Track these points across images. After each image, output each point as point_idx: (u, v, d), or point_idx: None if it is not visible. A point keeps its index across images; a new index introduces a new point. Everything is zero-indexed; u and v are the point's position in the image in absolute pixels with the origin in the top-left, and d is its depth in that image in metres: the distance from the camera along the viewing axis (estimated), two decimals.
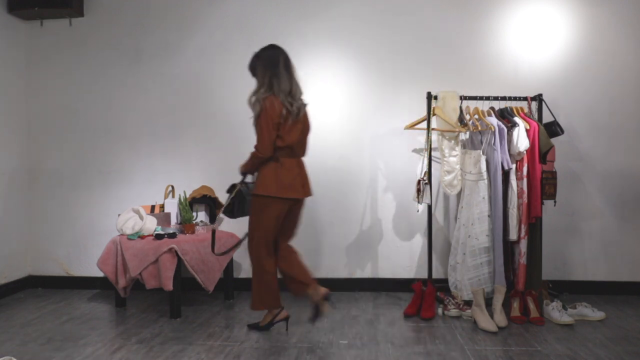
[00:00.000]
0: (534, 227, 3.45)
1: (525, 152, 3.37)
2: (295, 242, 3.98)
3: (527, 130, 3.36)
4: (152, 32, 4.04)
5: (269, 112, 2.77)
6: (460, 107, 3.51)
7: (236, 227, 3.92)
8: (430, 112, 3.51)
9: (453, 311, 3.33)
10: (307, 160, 3.97)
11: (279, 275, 3.05)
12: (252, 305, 3.02)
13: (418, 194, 3.47)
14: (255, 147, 2.83)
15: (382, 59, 3.94)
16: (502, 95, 3.53)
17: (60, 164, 4.12)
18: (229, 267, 3.76)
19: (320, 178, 3.96)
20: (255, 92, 2.86)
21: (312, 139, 3.98)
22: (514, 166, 3.42)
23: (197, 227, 3.63)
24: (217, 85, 4.01)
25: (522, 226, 3.41)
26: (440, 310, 3.37)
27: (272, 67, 2.84)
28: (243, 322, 3.26)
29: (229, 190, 3.01)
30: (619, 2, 3.80)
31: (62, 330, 3.12)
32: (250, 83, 3.98)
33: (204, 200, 3.79)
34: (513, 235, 3.41)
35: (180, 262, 3.34)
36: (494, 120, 3.40)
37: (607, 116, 3.82)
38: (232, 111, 4.00)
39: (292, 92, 2.87)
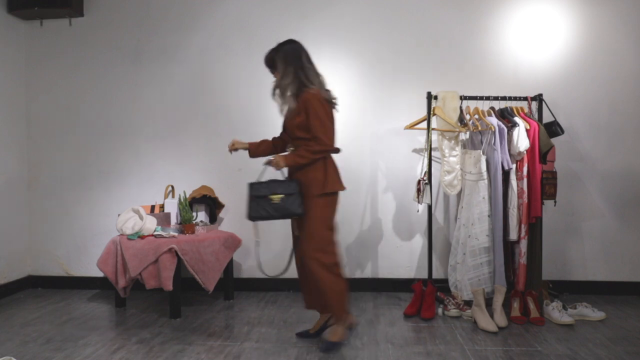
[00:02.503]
0: (534, 227, 3.45)
1: (525, 152, 3.37)
2: None
3: (527, 130, 3.36)
4: (152, 32, 4.04)
5: (323, 103, 2.68)
6: (461, 107, 3.51)
7: (236, 226, 3.92)
8: (430, 112, 3.51)
9: (453, 311, 3.33)
10: None
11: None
12: (339, 317, 2.78)
13: (418, 194, 3.47)
14: (321, 140, 2.65)
15: (382, 58, 3.94)
16: (502, 95, 3.53)
17: (60, 164, 4.12)
18: (229, 267, 3.76)
19: None
20: (282, 85, 2.73)
21: None
22: (514, 166, 3.42)
23: (197, 227, 3.63)
24: (217, 85, 4.01)
25: (522, 226, 3.41)
26: (440, 310, 3.37)
27: (296, 60, 2.74)
28: (243, 322, 3.26)
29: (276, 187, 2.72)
30: (619, 2, 3.80)
31: (62, 330, 3.12)
32: (249, 83, 4.00)
33: (204, 200, 3.79)
34: (513, 235, 3.42)
35: (180, 262, 3.34)
36: (494, 120, 3.40)
37: (607, 116, 3.82)
38: (232, 111, 4.00)
39: (324, 83, 2.79)
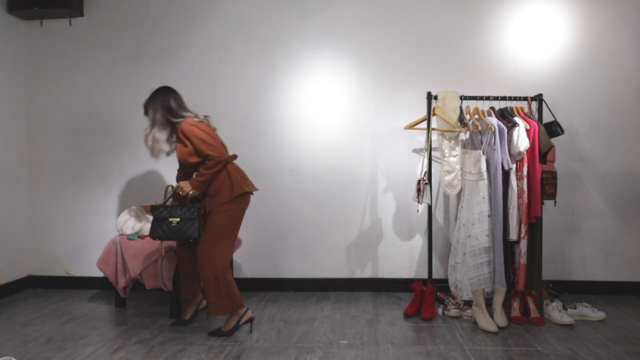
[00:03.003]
0: (534, 227, 3.45)
1: (525, 152, 3.37)
2: (296, 242, 3.99)
3: (527, 130, 3.36)
4: (152, 32, 4.04)
5: (198, 125, 2.93)
6: (460, 107, 3.51)
7: None
8: (430, 112, 3.51)
9: (453, 311, 3.33)
10: (307, 159, 3.99)
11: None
12: (213, 311, 2.93)
13: (418, 194, 3.47)
14: (211, 156, 2.88)
15: (383, 58, 3.94)
16: (502, 95, 3.53)
17: (60, 164, 4.12)
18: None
19: (321, 178, 3.97)
20: (152, 131, 3.00)
21: (313, 139, 3.99)
22: (514, 166, 3.42)
23: None
24: (217, 85, 4.01)
25: (522, 226, 3.41)
26: (440, 310, 3.37)
27: (163, 104, 2.99)
28: None
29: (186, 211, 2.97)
30: (619, 2, 3.80)
31: (62, 330, 3.12)
32: (249, 83, 4.01)
33: None
34: (513, 235, 3.41)
35: None
36: (494, 120, 3.40)
37: (607, 116, 3.82)
38: (232, 111, 4.00)
39: (194, 112, 3.04)
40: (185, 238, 2.97)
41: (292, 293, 3.93)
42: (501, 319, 3.14)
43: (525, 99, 3.57)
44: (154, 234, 3.00)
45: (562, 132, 3.47)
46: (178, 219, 2.96)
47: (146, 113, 3.05)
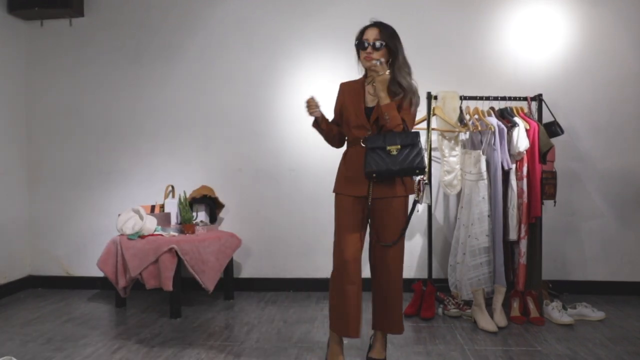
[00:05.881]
0: (534, 227, 3.45)
1: (525, 152, 3.37)
2: (296, 242, 3.99)
3: (527, 130, 3.36)
4: (153, 32, 4.04)
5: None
6: (460, 107, 3.51)
7: (236, 226, 3.92)
8: (430, 112, 3.51)
9: (453, 311, 3.33)
10: (307, 159, 3.98)
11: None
12: (402, 327, 2.62)
13: (418, 194, 3.47)
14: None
15: None
16: (502, 95, 3.53)
17: (60, 164, 4.12)
18: (229, 267, 3.76)
19: (321, 178, 3.97)
20: (410, 76, 2.49)
21: (312, 139, 3.98)
22: (513, 166, 3.42)
23: (197, 227, 3.63)
24: (217, 85, 4.01)
25: (522, 226, 3.41)
26: (440, 310, 3.37)
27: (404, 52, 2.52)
28: (243, 322, 3.26)
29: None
30: (619, 2, 3.80)
31: (62, 330, 3.12)
32: (249, 83, 4.01)
33: (204, 200, 3.79)
34: (513, 235, 3.42)
35: (180, 262, 3.34)
36: (494, 120, 3.41)
37: (607, 116, 3.82)
38: (232, 111, 4.00)
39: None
40: (409, 171, 2.40)
41: (292, 293, 3.93)
42: (501, 319, 3.14)
43: (525, 99, 3.57)
44: (367, 167, 2.41)
45: (562, 132, 3.47)
46: (398, 146, 2.38)
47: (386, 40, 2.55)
